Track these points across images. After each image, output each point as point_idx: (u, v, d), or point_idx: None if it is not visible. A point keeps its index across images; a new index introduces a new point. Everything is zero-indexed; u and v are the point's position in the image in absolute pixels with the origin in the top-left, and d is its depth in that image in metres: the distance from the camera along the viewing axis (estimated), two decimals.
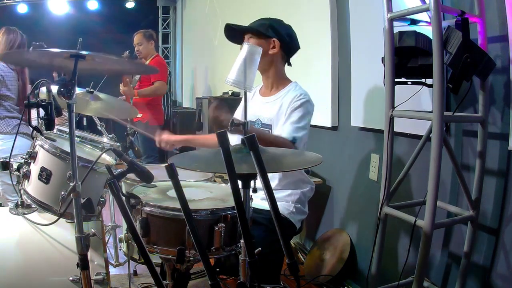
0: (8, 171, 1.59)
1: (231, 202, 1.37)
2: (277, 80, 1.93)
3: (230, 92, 4.00)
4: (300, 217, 1.91)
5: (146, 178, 1.33)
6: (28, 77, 2.79)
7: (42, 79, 1.37)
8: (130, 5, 6.88)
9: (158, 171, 1.69)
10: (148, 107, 3.89)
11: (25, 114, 2.29)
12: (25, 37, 2.78)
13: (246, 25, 1.92)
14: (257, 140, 1.03)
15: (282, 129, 1.79)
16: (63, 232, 1.49)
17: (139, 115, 3.80)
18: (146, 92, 3.94)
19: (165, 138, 2.12)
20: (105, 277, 1.42)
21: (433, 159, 1.43)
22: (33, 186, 1.49)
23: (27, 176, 1.52)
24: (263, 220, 1.71)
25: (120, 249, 2.44)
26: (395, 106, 1.64)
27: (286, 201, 1.88)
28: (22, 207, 1.56)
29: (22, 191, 1.53)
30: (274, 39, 1.85)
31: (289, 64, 1.95)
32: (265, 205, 1.73)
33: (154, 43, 4.11)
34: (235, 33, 1.93)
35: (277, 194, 1.81)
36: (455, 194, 1.77)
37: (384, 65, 1.62)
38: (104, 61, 1.39)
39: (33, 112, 1.33)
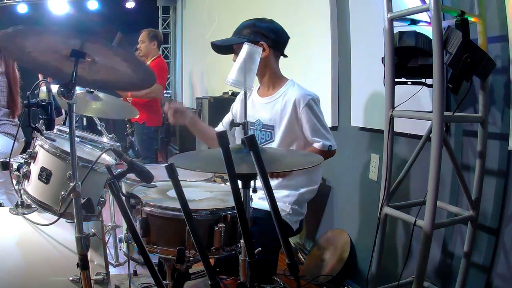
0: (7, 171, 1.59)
1: (231, 202, 1.37)
2: (273, 79, 1.93)
3: (230, 92, 4.00)
4: (297, 218, 1.91)
5: (146, 178, 1.34)
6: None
7: (42, 79, 1.38)
8: (130, 5, 6.89)
9: (158, 171, 1.69)
10: (146, 108, 3.87)
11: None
12: None
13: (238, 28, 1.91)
14: None
15: (314, 144, 1.83)
16: (63, 232, 1.49)
17: (137, 116, 3.79)
18: (140, 94, 3.89)
19: (177, 106, 1.95)
20: (105, 277, 1.42)
21: (433, 159, 1.43)
22: (33, 186, 1.49)
23: (27, 176, 1.52)
24: (258, 220, 1.71)
25: (120, 249, 2.44)
26: (395, 106, 1.64)
27: (283, 202, 1.87)
28: (22, 207, 1.56)
29: (22, 191, 1.53)
30: (261, 42, 1.83)
31: (285, 56, 1.94)
32: (261, 204, 1.74)
33: (156, 44, 4.08)
34: (223, 48, 1.91)
35: (275, 194, 1.81)
36: (455, 194, 1.77)
37: (384, 65, 1.62)
38: (105, 63, 1.39)
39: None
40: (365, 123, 2.32)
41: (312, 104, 1.83)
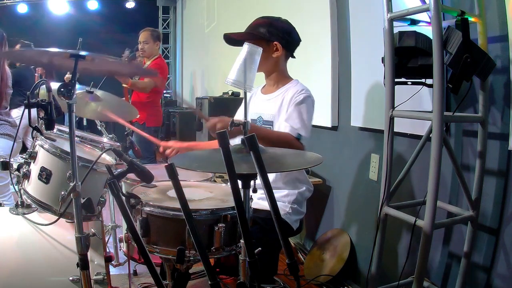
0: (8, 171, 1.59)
1: (231, 202, 1.37)
2: (279, 78, 1.95)
3: (230, 92, 4.00)
4: (297, 217, 1.91)
5: (146, 178, 1.33)
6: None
7: (42, 79, 1.37)
8: (130, 5, 6.89)
9: (158, 171, 1.69)
10: (146, 108, 3.81)
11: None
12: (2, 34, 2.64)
13: (246, 25, 1.92)
14: (257, 141, 1.03)
15: (285, 126, 1.78)
16: (63, 232, 1.49)
17: (137, 116, 3.75)
18: (139, 85, 3.79)
19: (170, 144, 2.06)
20: (105, 277, 1.42)
21: (433, 159, 1.43)
22: (33, 186, 1.49)
23: (27, 176, 1.52)
24: (259, 220, 1.71)
25: (120, 249, 2.44)
26: (395, 106, 1.64)
27: (283, 201, 1.88)
28: (22, 207, 1.56)
29: (22, 191, 1.53)
30: (275, 42, 1.84)
31: (293, 57, 1.95)
32: (261, 204, 1.74)
33: (159, 44, 4.02)
34: (235, 40, 1.91)
35: (274, 194, 1.81)
36: (455, 194, 1.77)
37: (384, 65, 1.62)
38: (103, 62, 1.39)
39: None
40: (365, 123, 2.32)
41: (304, 98, 1.81)
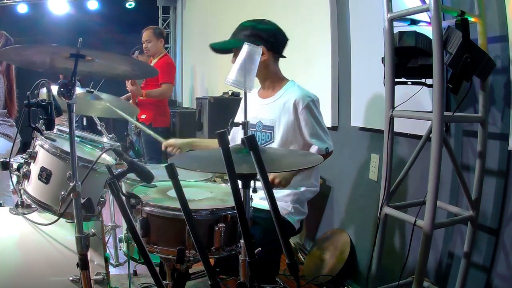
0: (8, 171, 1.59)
1: (231, 202, 1.37)
2: (274, 81, 1.93)
3: (230, 92, 3.99)
4: (299, 217, 1.91)
5: (146, 178, 1.34)
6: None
7: (42, 79, 1.37)
8: (130, 5, 6.89)
9: (158, 171, 1.69)
10: (153, 108, 3.75)
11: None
12: (12, 40, 2.68)
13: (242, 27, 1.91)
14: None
15: (311, 147, 1.83)
16: (63, 232, 1.49)
17: (143, 116, 3.72)
18: (154, 93, 3.75)
19: (171, 142, 2.10)
20: (105, 277, 1.42)
21: (433, 159, 1.43)
22: (33, 186, 1.50)
23: (27, 176, 1.52)
24: (260, 220, 1.71)
25: (120, 249, 2.44)
26: (395, 106, 1.64)
27: (285, 201, 1.88)
28: (22, 207, 1.56)
29: (22, 191, 1.53)
30: (260, 46, 1.83)
31: (283, 57, 1.93)
32: (263, 204, 1.74)
33: (163, 41, 3.98)
34: (221, 49, 1.90)
35: (276, 194, 1.80)
36: (455, 194, 1.77)
37: (384, 65, 1.62)
38: (105, 63, 1.39)
39: None
40: (365, 123, 2.32)
41: (311, 105, 1.83)
